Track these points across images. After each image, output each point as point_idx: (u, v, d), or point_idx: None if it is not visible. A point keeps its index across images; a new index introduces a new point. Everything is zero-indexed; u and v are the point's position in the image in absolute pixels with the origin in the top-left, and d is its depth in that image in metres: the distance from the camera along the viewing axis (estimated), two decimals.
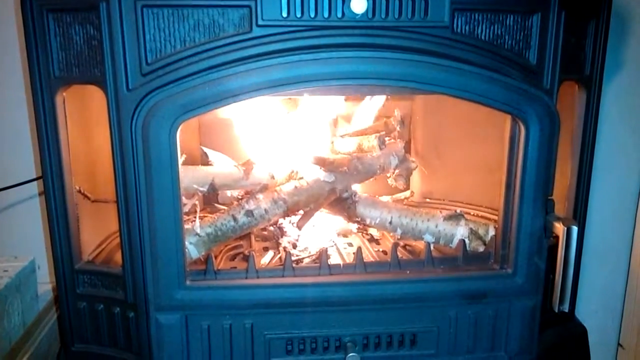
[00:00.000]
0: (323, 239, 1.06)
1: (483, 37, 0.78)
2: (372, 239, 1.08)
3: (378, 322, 0.85)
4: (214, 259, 0.85)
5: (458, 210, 1.01)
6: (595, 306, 1.24)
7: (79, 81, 0.78)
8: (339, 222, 1.11)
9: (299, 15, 0.73)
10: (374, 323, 0.85)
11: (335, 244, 1.03)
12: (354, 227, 1.12)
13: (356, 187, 1.10)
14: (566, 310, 0.84)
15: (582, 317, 1.07)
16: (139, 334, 0.84)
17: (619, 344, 1.27)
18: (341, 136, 1.18)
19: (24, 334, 1.01)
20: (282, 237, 1.05)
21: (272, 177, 1.06)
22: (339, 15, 0.74)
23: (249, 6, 0.73)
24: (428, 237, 0.98)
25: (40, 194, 1.14)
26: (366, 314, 0.85)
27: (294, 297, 0.82)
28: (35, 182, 1.11)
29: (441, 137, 1.17)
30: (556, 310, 0.83)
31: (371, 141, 1.11)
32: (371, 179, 1.12)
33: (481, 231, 0.96)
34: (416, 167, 1.15)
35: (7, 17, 1.05)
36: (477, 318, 0.87)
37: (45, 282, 1.14)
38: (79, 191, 0.88)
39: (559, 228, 0.80)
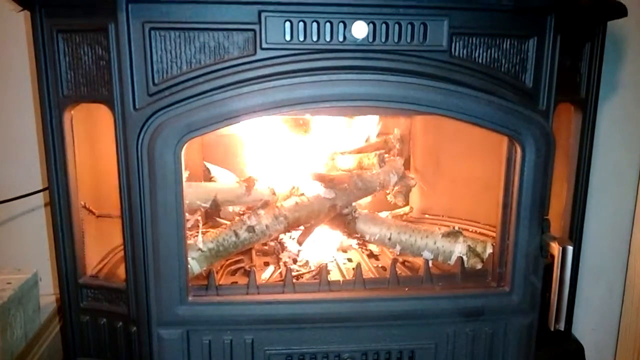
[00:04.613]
0: (323, 254, 1.07)
1: (480, 61, 0.80)
2: (371, 255, 1.09)
3: (377, 339, 0.86)
4: (215, 273, 0.87)
5: (456, 227, 1.02)
6: (591, 324, 1.25)
7: (87, 100, 0.80)
8: (339, 237, 1.13)
9: (301, 39, 0.75)
10: (373, 339, 0.86)
11: (335, 260, 1.04)
12: (353, 242, 1.13)
13: (356, 204, 1.11)
14: (562, 329, 0.85)
15: (579, 334, 1.08)
16: (141, 349, 0.84)
17: None
18: (341, 153, 1.20)
19: (26, 346, 1.02)
20: (282, 252, 1.07)
21: (274, 193, 1.07)
22: (340, 39, 0.76)
23: (253, 30, 0.75)
24: (427, 254, 0.99)
25: (45, 206, 1.15)
26: (365, 331, 0.86)
27: (294, 313, 0.83)
28: (37, 195, 1.12)
29: (440, 154, 1.18)
30: (552, 329, 0.84)
31: (371, 158, 1.13)
32: (371, 196, 1.14)
33: (479, 248, 0.98)
34: (415, 184, 1.17)
35: (18, 37, 1.08)
36: (474, 335, 0.88)
37: (47, 294, 1.15)
38: (84, 206, 0.89)
39: (555, 247, 0.82)
